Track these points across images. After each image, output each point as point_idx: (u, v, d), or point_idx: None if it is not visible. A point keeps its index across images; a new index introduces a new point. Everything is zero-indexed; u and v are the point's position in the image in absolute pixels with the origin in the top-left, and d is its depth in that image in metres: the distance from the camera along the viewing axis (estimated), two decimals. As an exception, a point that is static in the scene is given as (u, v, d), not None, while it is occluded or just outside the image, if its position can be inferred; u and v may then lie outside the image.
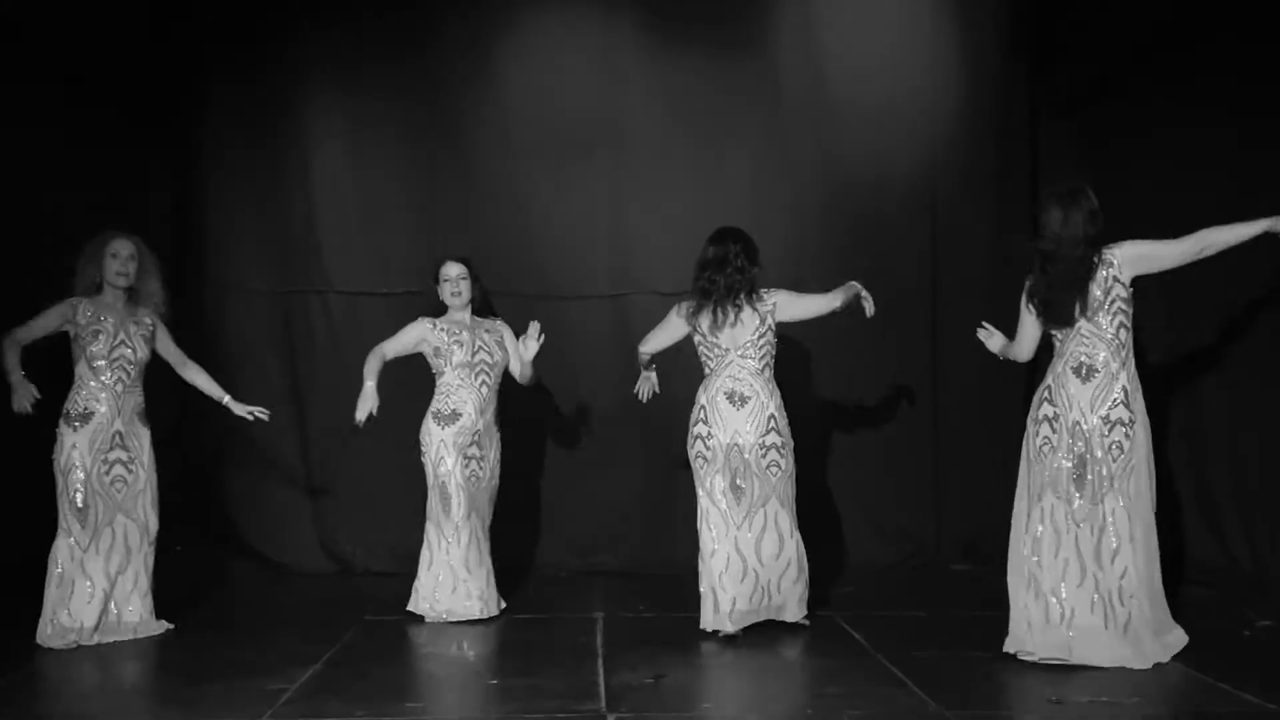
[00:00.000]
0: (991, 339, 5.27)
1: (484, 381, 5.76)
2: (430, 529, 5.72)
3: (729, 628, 5.21)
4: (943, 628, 5.48)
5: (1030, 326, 4.97)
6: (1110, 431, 4.69)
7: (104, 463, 5.30)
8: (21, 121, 5.96)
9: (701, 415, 5.35)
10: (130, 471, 5.38)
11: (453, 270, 5.84)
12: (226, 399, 5.67)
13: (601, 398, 6.93)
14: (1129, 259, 4.74)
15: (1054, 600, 4.73)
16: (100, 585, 5.25)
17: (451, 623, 5.58)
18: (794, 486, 5.38)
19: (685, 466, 5.51)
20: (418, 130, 7.02)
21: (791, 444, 5.39)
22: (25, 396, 5.13)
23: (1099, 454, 4.69)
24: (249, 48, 7.01)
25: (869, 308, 5.20)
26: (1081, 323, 4.76)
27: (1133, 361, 4.78)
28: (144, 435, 5.46)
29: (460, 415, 5.68)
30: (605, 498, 6.98)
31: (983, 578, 6.58)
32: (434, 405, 5.74)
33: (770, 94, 7.07)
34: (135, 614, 5.36)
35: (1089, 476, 4.71)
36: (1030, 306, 4.93)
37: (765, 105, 7.06)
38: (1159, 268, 4.78)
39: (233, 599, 6.38)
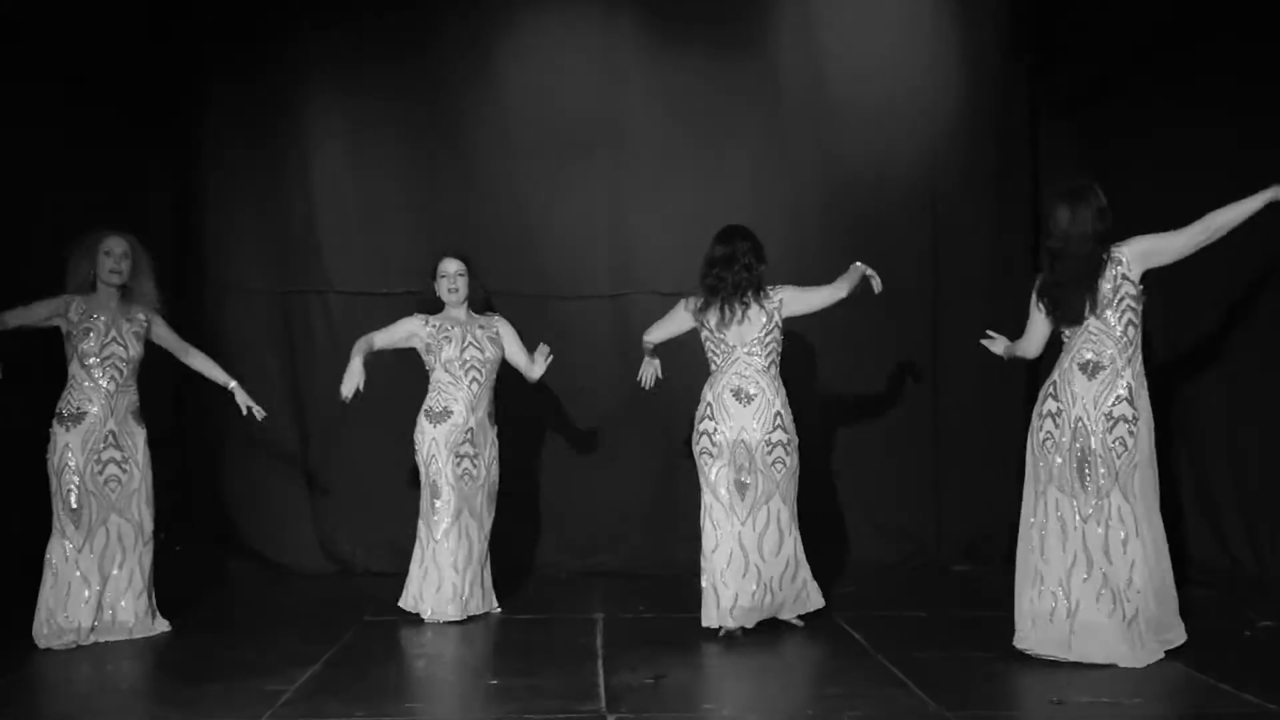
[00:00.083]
0: (995, 344, 5.28)
1: (474, 379, 5.73)
2: (421, 527, 5.71)
3: (730, 623, 5.22)
4: (943, 628, 5.47)
5: (1040, 324, 4.98)
6: (1114, 428, 4.70)
7: (97, 462, 5.28)
8: (21, 121, 5.94)
9: (708, 411, 5.36)
10: (124, 471, 5.36)
11: (451, 266, 5.82)
12: (233, 384, 5.63)
13: (601, 398, 6.93)
14: (1138, 255, 4.75)
15: (1059, 593, 4.72)
16: (94, 585, 5.24)
17: (452, 623, 5.57)
18: (797, 484, 5.40)
19: (686, 464, 5.51)
20: (418, 130, 7.01)
21: (796, 441, 5.40)
22: None
23: (1101, 450, 4.69)
24: (249, 48, 7.00)
25: (876, 284, 5.22)
26: (1090, 320, 4.77)
27: (1139, 359, 4.78)
28: (139, 434, 5.43)
29: (451, 413, 5.67)
30: (605, 498, 6.97)
31: (983, 578, 6.59)
32: (426, 403, 5.74)
33: (770, 94, 7.06)
34: (129, 614, 5.33)
35: (1091, 473, 4.71)
36: (1040, 304, 4.94)
37: (765, 105, 7.06)
38: (1169, 259, 4.79)
39: (232, 599, 6.38)
